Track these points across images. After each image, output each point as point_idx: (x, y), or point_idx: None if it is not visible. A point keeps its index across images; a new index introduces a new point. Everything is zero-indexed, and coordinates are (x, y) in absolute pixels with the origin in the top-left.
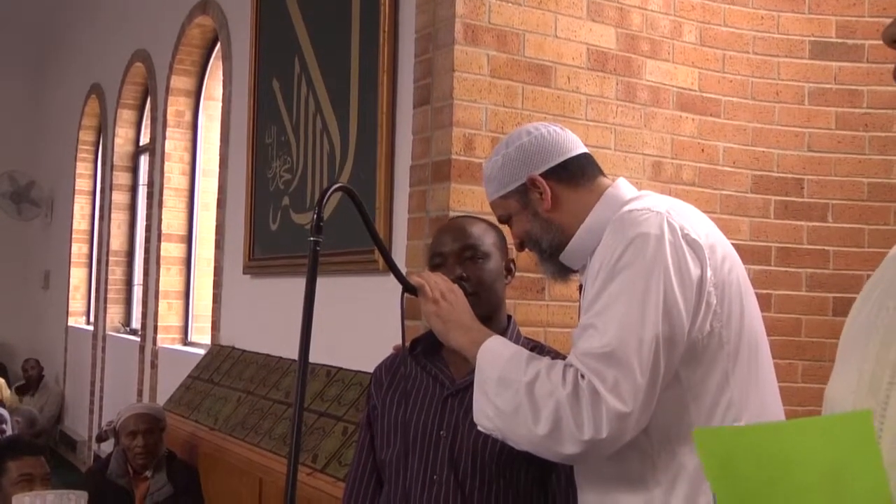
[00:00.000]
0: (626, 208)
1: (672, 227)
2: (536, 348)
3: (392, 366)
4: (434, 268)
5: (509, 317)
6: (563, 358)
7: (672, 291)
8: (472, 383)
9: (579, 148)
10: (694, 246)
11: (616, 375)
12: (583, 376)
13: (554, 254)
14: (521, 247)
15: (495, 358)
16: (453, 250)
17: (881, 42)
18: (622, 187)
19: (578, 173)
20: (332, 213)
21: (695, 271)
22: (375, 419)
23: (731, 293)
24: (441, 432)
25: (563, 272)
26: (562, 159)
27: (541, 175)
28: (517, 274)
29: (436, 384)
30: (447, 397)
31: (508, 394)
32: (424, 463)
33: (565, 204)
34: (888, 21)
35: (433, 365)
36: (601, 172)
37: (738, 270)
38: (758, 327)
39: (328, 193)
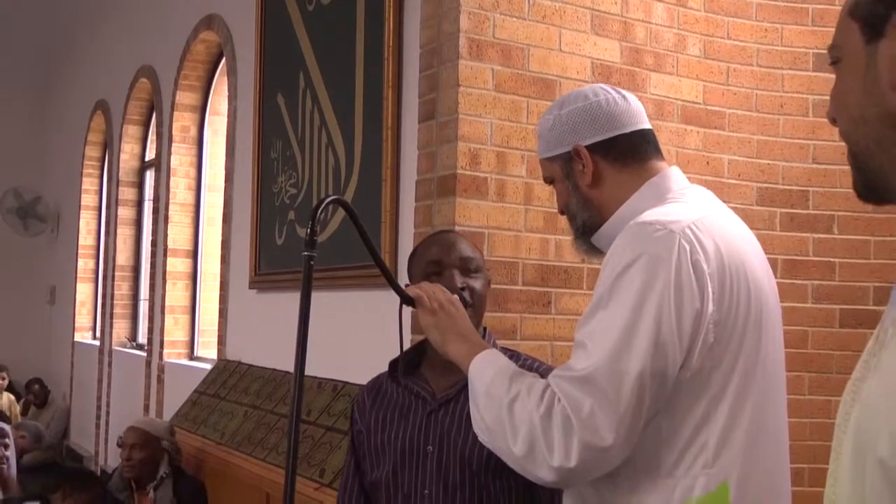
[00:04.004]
0: (646, 217)
1: (682, 251)
2: (513, 358)
3: (373, 388)
4: (427, 276)
5: (484, 327)
6: (541, 368)
7: (668, 322)
8: (452, 397)
9: (638, 123)
10: (700, 275)
11: (593, 405)
12: (559, 400)
13: (587, 232)
14: (562, 212)
15: (483, 371)
16: (453, 261)
17: None
18: (669, 179)
19: (628, 152)
20: (338, 228)
21: (695, 304)
22: (361, 442)
23: (734, 331)
24: (428, 447)
25: (594, 252)
26: (612, 134)
27: (587, 147)
28: (524, 287)
29: (418, 401)
30: (430, 413)
31: (493, 410)
32: (414, 479)
33: (607, 183)
34: None
35: (413, 383)
36: (656, 154)
37: (756, 301)
38: (765, 364)
39: (321, 206)
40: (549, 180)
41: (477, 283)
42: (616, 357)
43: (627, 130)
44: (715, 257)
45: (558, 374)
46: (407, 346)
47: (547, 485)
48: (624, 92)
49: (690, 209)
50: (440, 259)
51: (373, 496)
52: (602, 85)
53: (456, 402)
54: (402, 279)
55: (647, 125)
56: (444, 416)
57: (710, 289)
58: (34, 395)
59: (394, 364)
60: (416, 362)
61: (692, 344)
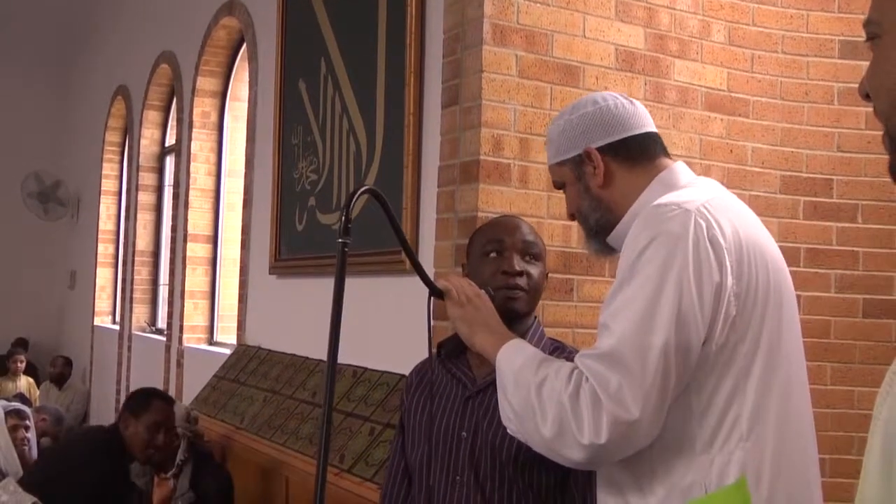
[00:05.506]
0: (659, 201)
1: (698, 227)
2: (559, 349)
3: (422, 369)
4: (487, 254)
5: (535, 316)
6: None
7: (689, 295)
8: (491, 383)
9: (645, 126)
10: (717, 249)
11: (620, 380)
12: (587, 379)
13: (600, 232)
14: (571, 217)
15: (512, 359)
16: (515, 243)
17: None
18: (677, 173)
19: (638, 152)
20: (360, 214)
21: (714, 277)
22: (407, 421)
23: (755, 305)
24: (462, 433)
25: (607, 251)
26: (623, 136)
27: (598, 149)
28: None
29: (458, 385)
30: (468, 398)
31: (521, 395)
32: (447, 464)
33: (618, 183)
34: None
35: (456, 367)
36: (664, 153)
37: (775, 280)
38: (787, 343)
39: (356, 196)
40: (558, 185)
41: (535, 270)
42: (639, 332)
43: (636, 132)
44: (731, 233)
45: (584, 354)
46: (434, 335)
47: (576, 466)
48: (631, 98)
49: (702, 192)
50: (502, 239)
51: (413, 476)
52: (610, 92)
53: (493, 390)
54: (426, 265)
55: (653, 128)
56: (481, 403)
57: (728, 262)
58: (57, 367)
59: (441, 345)
60: (463, 345)
61: (714, 317)
